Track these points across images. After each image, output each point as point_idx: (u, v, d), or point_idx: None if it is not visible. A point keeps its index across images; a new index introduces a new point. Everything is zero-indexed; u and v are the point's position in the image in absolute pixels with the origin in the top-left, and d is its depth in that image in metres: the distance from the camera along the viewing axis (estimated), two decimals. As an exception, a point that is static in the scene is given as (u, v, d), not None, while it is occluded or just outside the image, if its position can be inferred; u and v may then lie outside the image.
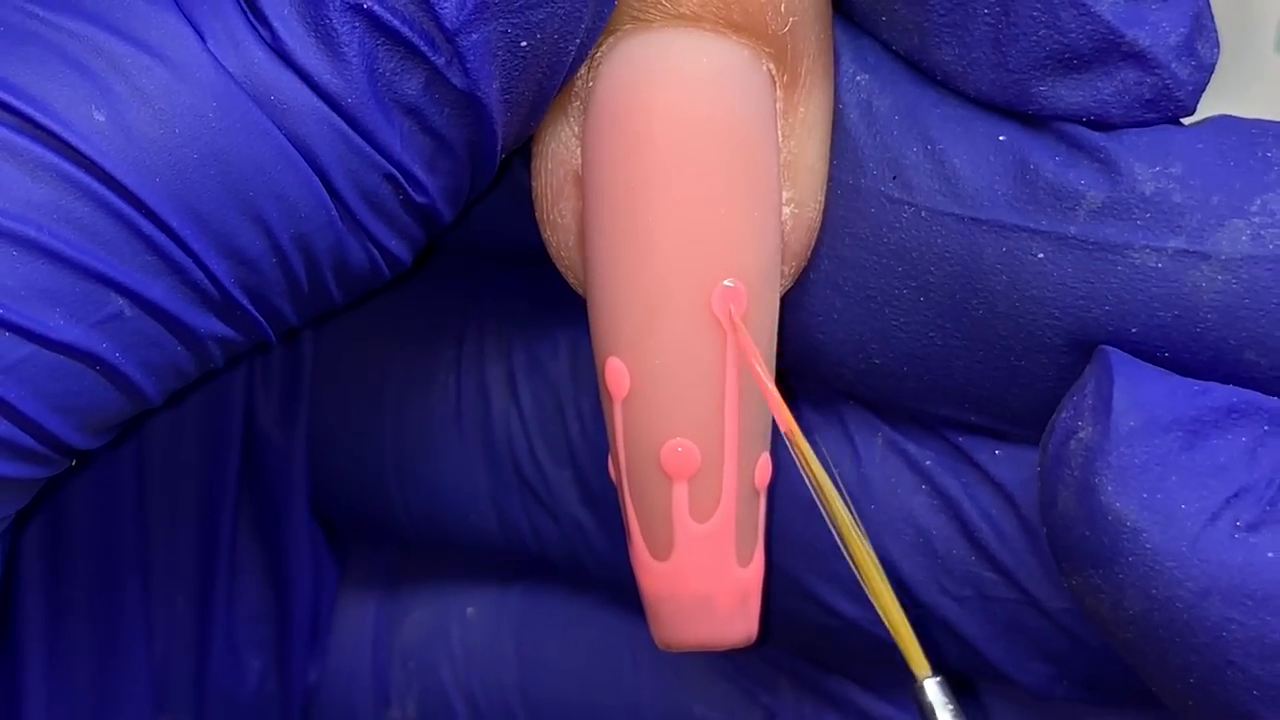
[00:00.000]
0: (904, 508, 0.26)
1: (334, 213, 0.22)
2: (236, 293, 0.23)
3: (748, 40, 0.23)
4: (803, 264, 0.25)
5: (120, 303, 0.22)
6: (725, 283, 0.23)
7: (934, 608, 0.26)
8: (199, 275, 0.22)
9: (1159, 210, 0.23)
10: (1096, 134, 0.23)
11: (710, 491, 0.24)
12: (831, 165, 0.24)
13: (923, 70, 0.24)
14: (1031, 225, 0.23)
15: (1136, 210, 0.23)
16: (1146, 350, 0.23)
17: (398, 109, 0.22)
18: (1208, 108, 0.23)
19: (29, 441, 0.22)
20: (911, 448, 0.26)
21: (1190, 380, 0.23)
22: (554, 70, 0.23)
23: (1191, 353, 0.23)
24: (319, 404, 0.30)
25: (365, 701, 0.31)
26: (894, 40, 0.24)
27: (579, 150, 0.24)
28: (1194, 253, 0.23)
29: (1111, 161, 0.23)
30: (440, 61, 0.22)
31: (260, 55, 0.22)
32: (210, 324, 0.23)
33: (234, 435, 0.30)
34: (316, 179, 0.22)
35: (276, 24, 0.22)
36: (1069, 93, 0.23)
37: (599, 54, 0.24)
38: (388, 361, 0.30)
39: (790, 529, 0.27)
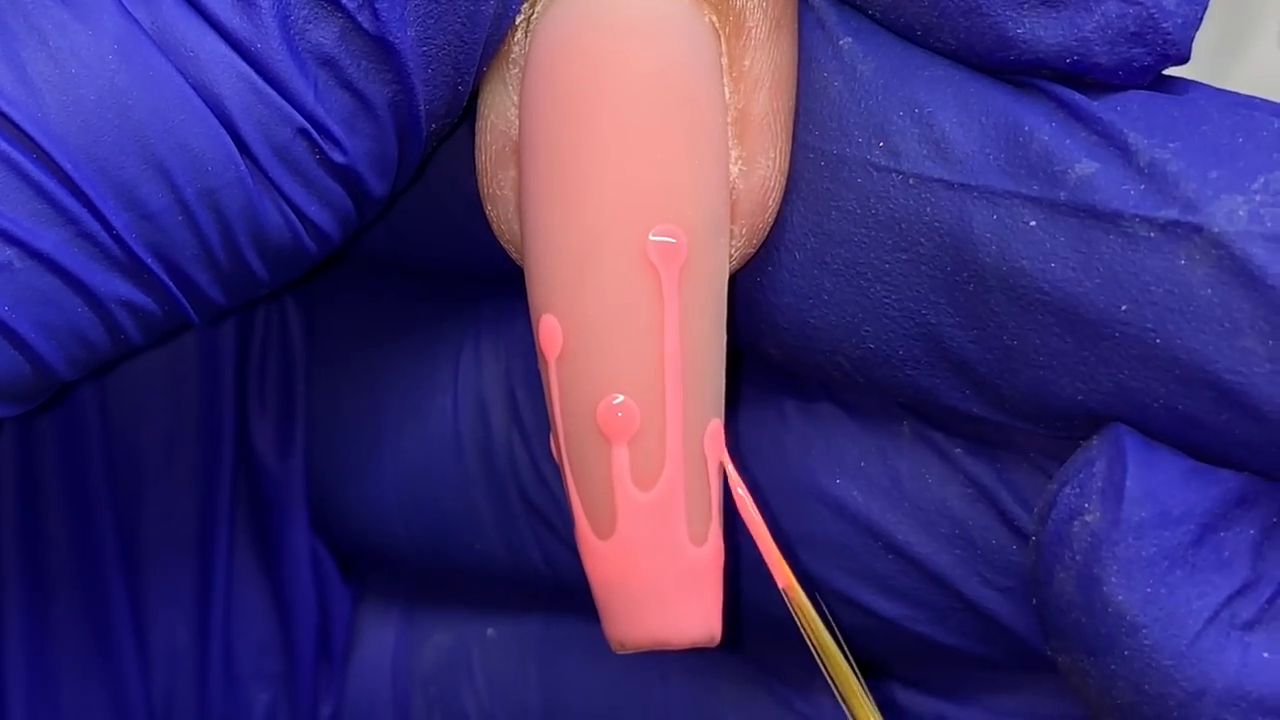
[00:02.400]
0: (937, 499, 0.25)
1: (244, 169, 0.22)
2: (140, 250, 0.21)
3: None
4: (758, 227, 0.24)
5: (9, 252, 0.21)
6: (665, 237, 0.22)
7: (977, 600, 0.25)
8: (95, 227, 0.21)
9: (1153, 180, 0.21)
10: (1094, 102, 0.22)
11: (653, 454, 0.23)
12: (815, 135, 0.23)
13: (898, 30, 0.23)
14: (1023, 191, 0.22)
15: (1130, 180, 0.21)
16: (1136, 333, 0.22)
17: (312, 60, 0.21)
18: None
19: None
20: (939, 437, 0.25)
21: (1202, 466, 0.22)
22: (472, 21, 0.22)
23: (1183, 338, 0.22)
24: (316, 430, 0.29)
25: None
26: (871, 3, 0.23)
27: (517, 119, 0.23)
28: (1187, 224, 0.21)
29: (1108, 131, 0.22)
30: (352, 7, 0.21)
31: (168, 3, 0.21)
32: (114, 285, 0.22)
33: (225, 462, 0.29)
34: (224, 132, 0.21)
35: None
36: (1047, 33, 0.22)
37: (534, 14, 0.23)
38: (383, 385, 0.29)
39: (814, 530, 0.26)
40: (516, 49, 0.23)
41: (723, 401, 0.24)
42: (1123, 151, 0.22)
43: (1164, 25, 0.22)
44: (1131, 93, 0.22)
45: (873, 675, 0.27)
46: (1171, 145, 0.22)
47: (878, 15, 0.23)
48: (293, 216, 0.22)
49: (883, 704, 0.27)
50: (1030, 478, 0.25)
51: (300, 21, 0.21)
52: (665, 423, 0.23)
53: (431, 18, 0.22)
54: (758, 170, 0.23)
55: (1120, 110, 0.22)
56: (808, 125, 0.23)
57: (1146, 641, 0.22)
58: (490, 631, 0.30)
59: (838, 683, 0.23)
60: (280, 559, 0.29)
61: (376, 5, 0.21)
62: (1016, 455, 0.25)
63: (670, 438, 0.23)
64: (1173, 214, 0.21)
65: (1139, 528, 0.22)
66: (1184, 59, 0.22)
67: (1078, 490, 0.22)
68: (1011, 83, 0.22)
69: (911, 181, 0.23)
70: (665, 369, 0.23)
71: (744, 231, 0.23)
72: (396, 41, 0.22)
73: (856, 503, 0.25)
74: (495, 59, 0.23)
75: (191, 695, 0.29)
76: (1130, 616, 0.22)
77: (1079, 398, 0.22)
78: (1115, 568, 0.22)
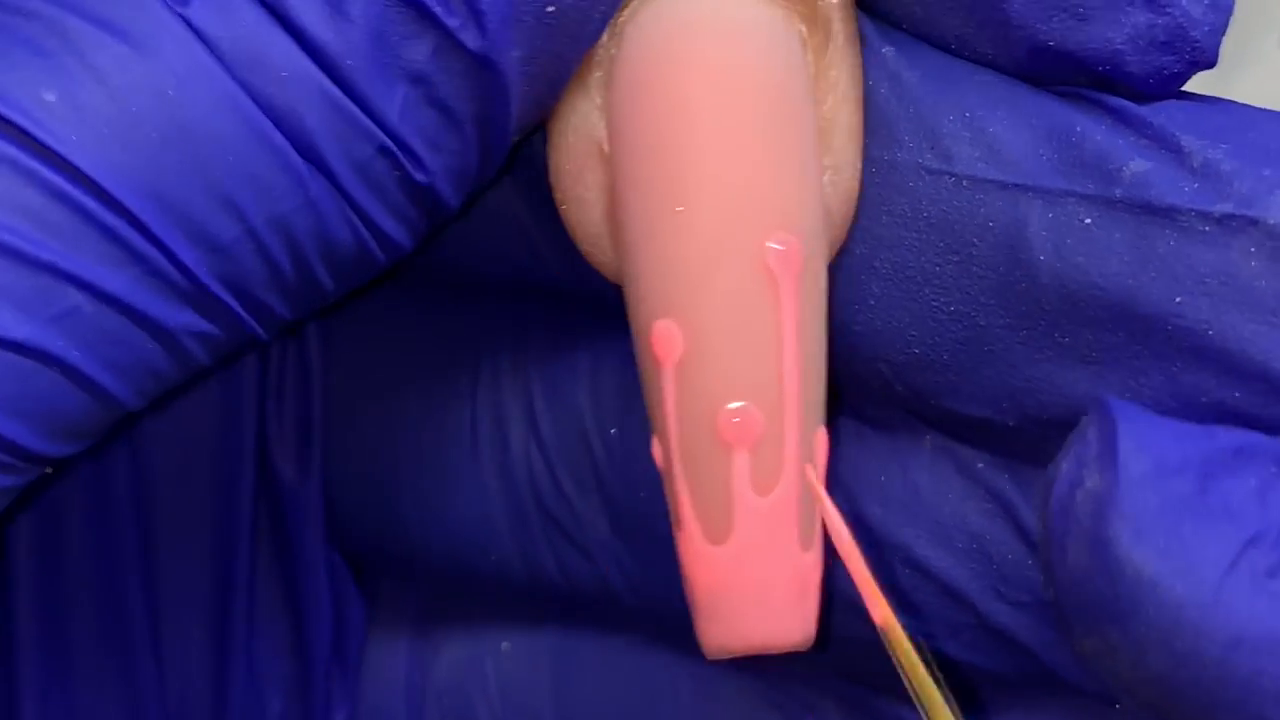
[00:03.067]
0: (956, 514, 0.25)
1: (315, 191, 0.21)
2: (211, 283, 0.21)
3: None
4: (842, 237, 0.24)
5: (78, 297, 0.20)
6: (776, 244, 0.22)
7: (990, 615, 0.25)
8: (165, 265, 0.21)
9: (1206, 178, 0.22)
10: (1142, 109, 0.22)
11: (773, 460, 0.23)
12: (864, 142, 0.23)
13: (933, 43, 0.23)
14: (1078, 190, 0.22)
15: (1184, 178, 0.22)
16: (1190, 325, 0.22)
17: (401, 76, 0.21)
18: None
19: None
20: (961, 451, 0.25)
21: (1192, 425, 0.22)
22: (577, 40, 0.22)
23: (1236, 329, 0.22)
24: (333, 440, 0.29)
25: None
26: (897, 13, 0.24)
27: (602, 122, 0.23)
28: (1242, 217, 0.22)
29: (1159, 134, 0.22)
30: (454, 24, 0.21)
31: (252, 15, 0.20)
32: (184, 318, 0.21)
33: (247, 470, 0.29)
34: (295, 156, 0.21)
35: None
36: (1079, 45, 0.22)
37: (622, 19, 0.23)
38: (401, 396, 0.29)
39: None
40: (600, 52, 0.23)
41: (825, 407, 0.24)
42: (1175, 152, 0.22)
43: (1192, 34, 0.22)
44: (1174, 102, 0.23)
45: (882, 691, 0.27)
46: (1223, 146, 0.22)
47: (910, 29, 0.24)
48: (365, 232, 0.22)
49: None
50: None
51: (395, 38, 0.21)
52: (784, 429, 0.23)
53: (540, 38, 0.22)
54: (844, 179, 0.23)
55: (1168, 116, 0.22)
56: None
57: (1169, 597, 0.21)
58: (505, 645, 0.30)
59: (929, 707, 0.23)
60: (296, 569, 0.29)
61: (485, 24, 0.21)
62: (1039, 470, 0.25)
63: (788, 443, 0.23)
64: (1228, 208, 0.22)
65: (1140, 481, 0.22)
66: (1211, 65, 0.23)
67: (1074, 462, 0.22)
68: (1056, 91, 0.23)
69: (965, 183, 0.23)
70: (784, 375, 0.23)
71: (833, 240, 0.24)
72: (500, 61, 0.21)
73: (875, 517, 0.26)
74: None
75: (208, 699, 0.29)
76: (1149, 573, 0.21)
77: (1127, 395, 0.23)
78: (1123, 526, 0.21)
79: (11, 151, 0.20)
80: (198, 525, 0.29)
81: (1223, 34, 0.23)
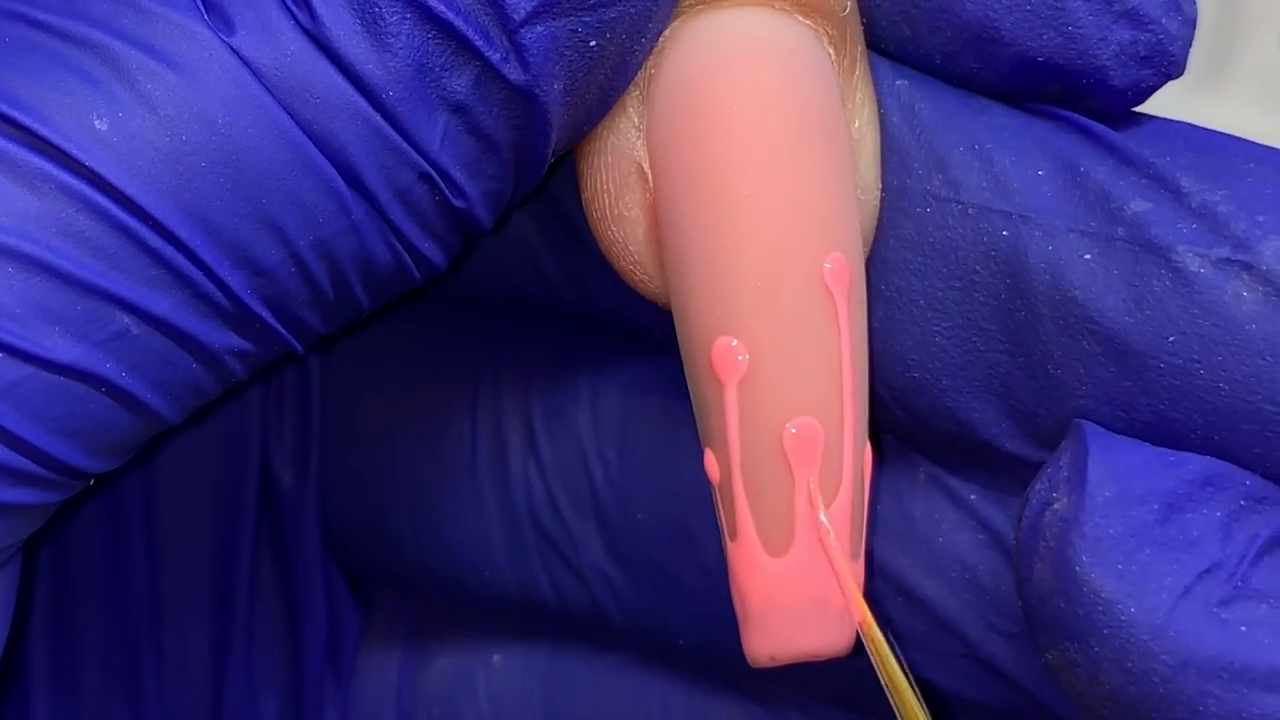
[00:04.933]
0: (949, 544, 0.25)
1: (357, 215, 0.21)
2: (254, 304, 0.22)
3: (812, 21, 0.23)
4: (866, 254, 0.24)
5: (126, 320, 0.21)
6: (829, 262, 0.23)
7: (980, 644, 0.25)
8: (211, 288, 0.21)
9: (1204, 220, 0.23)
10: (1143, 149, 0.23)
11: (833, 475, 0.23)
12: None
13: (918, 61, 0.24)
14: (1080, 227, 0.23)
15: (1183, 220, 0.23)
16: (1181, 363, 0.23)
17: (442, 106, 0.21)
18: (1209, 104, 0.23)
19: (31, 466, 0.21)
20: (954, 482, 0.25)
21: (1166, 451, 0.23)
22: (620, 71, 0.22)
23: (1227, 370, 0.23)
24: (331, 453, 0.30)
25: None
26: (886, 39, 0.24)
27: (640, 141, 0.23)
28: (1237, 261, 0.22)
29: (1160, 174, 0.23)
30: (495, 57, 0.21)
31: (295, 44, 0.21)
32: (226, 338, 0.22)
33: (250, 481, 0.29)
34: (339, 181, 0.21)
35: (319, 7, 0.21)
36: (1066, 60, 0.23)
37: (663, 40, 0.23)
38: (401, 413, 0.29)
39: None
40: (640, 70, 0.23)
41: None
42: (1175, 193, 0.23)
43: (1170, 49, 0.23)
44: (1177, 139, 0.23)
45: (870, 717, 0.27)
46: (1221, 191, 0.23)
47: (896, 50, 0.24)
48: (404, 253, 0.22)
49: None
50: None
51: (437, 68, 0.21)
52: (843, 443, 0.23)
53: (583, 70, 0.22)
54: (869, 200, 0.24)
55: (1170, 158, 0.23)
56: None
57: (1123, 617, 0.22)
58: (496, 658, 0.30)
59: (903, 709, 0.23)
60: (294, 579, 0.30)
61: (527, 58, 0.21)
62: None
63: (846, 457, 0.23)
64: (1224, 252, 0.22)
65: (1104, 508, 0.22)
66: (1180, 75, 0.23)
67: (1046, 484, 0.23)
68: (1060, 124, 0.23)
69: (971, 211, 0.23)
70: (844, 390, 0.23)
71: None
72: (542, 94, 0.22)
73: (869, 546, 0.25)
74: None
75: (205, 702, 0.29)
76: (1105, 594, 0.22)
77: (1118, 427, 0.23)
78: (1084, 547, 0.22)
79: (63, 178, 0.20)
80: (201, 534, 0.29)
81: (1190, 45, 0.23)
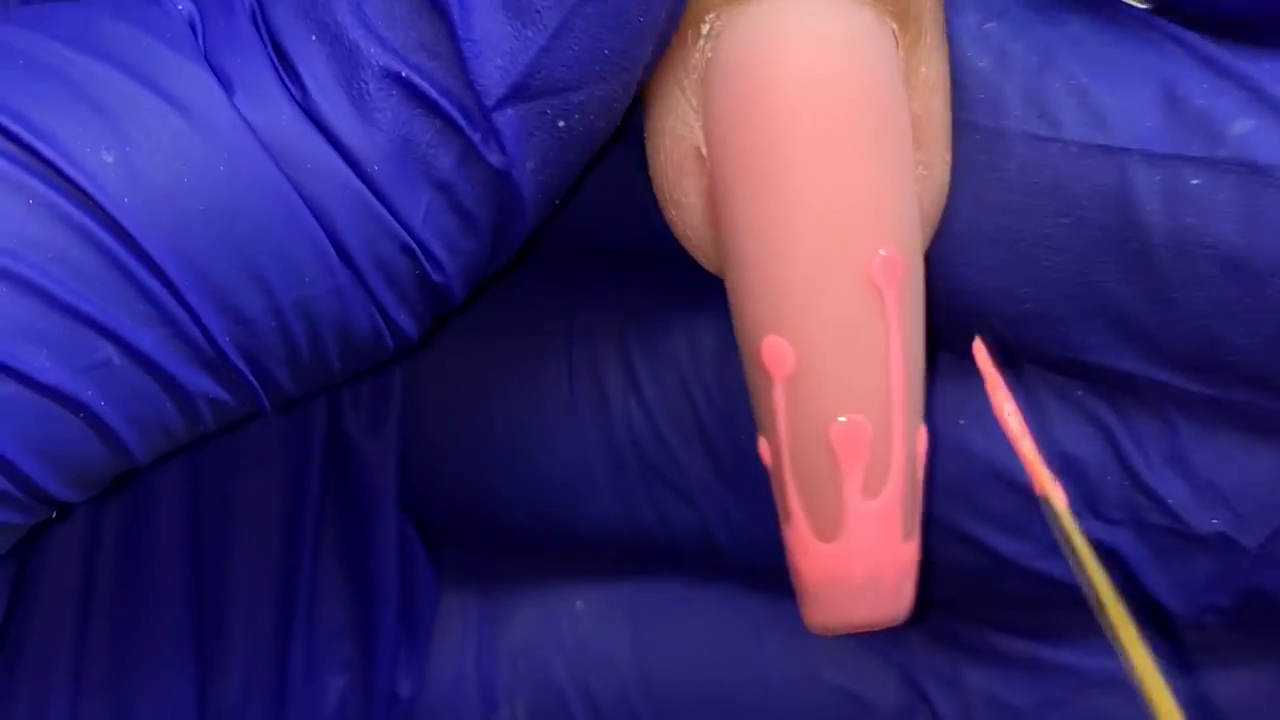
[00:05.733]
0: (1057, 437, 0.26)
1: (341, 280, 0.22)
2: (231, 353, 0.22)
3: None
4: (933, 232, 0.24)
5: (109, 350, 0.21)
6: (880, 257, 0.23)
7: (1086, 532, 0.26)
8: (194, 330, 0.22)
9: None
10: (1239, 61, 0.23)
11: (881, 466, 0.23)
12: (969, 112, 0.24)
13: None
14: (1183, 152, 0.23)
15: None
16: None
17: (427, 183, 0.22)
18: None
19: (4, 484, 0.21)
20: (1059, 380, 0.26)
21: None
22: (586, 149, 0.23)
23: None
24: (413, 405, 0.30)
25: (471, 706, 0.31)
26: None
27: (698, 125, 0.23)
28: None
29: (1259, 88, 0.23)
30: (476, 138, 0.22)
31: (288, 113, 0.21)
32: (202, 383, 0.22)
33: (316, 445, 0.29)
34: (328, 244, 0.22)
35: (309, 82, 0.21)
36: None
37: (717, 24, 0.23)
38: (492, 358, 0.29)
39: (938, 473, 0.26)
40: (696, 55, 0.23)
41: (923, 405, 0.24)
42: (1275, 108, 0.23)
43: None
44: (1265, 55, 0.23)
45: (970, 620, 0.28)
46: None
47: None
48: (381, 323, 0.23)
49: (978, 648, 0.28)
50: (1147, 418, 0.26)
51: (422, 146, 0.22)
52: (891, 434, 0.23)
53: (553, 151, 0.22)
54: (936, 174, 0.24)
55: (1269, 69, 0.23)
56: (959, 103, 0.24)
57: None
58: (579, 604, 0.30)
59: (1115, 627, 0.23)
60: (366, 543, 0.30)
61: (503, 140, 0.22)
62: (1136, 398, 0.26)
63: (895, 448, 0.23)
64: None
65: None
66: None
67: None
68: (1155, 46, 0.24)
69: (1073, 149, 0.24)
70: (891, 385, 0.23)
71: (925, 237, 0.24)
72: (517, 174, 0.22)
73: (977, 443, 0.26)
74: (669, 64, 0.23)
75: (270, 679, 0.29)
76: None
77: (1240, 342, 0.24)
78: None
79: (65, 206, 0.21)
80: (264, 497, 0.29)
81: None
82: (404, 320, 0.23)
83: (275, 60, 0.22)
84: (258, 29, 0.22)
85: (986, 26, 0.24)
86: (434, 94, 0.21)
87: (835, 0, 0.23)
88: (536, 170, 0.22)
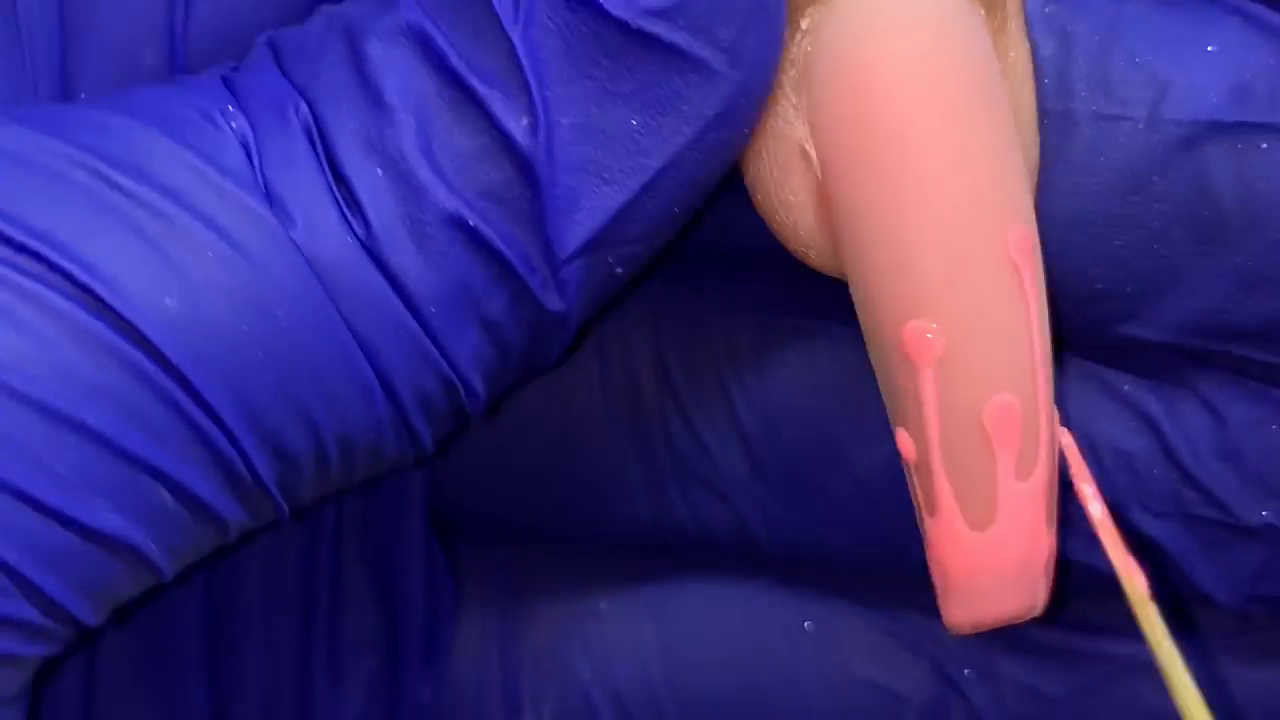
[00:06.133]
0: (1106, 433, 0.26)
1: (381, 413, 0.22)
2: (272, 486, 0.22)
3: None
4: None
5: (164, 494, 0.22)
6: (1014, 226, 0.23)
7: (1135, 524, 0.26)
8: (241, 469, 0.22)
9: None
10: None
11: (1031, 446, 0.23)
12: (1036, 98, 0.24)
13: None
14: (1251, 119, 0.24)
15: None
16: None
17: (476, 321, 0.22)
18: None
19: (49, 624, 0.22)
20: (1107, 374, 0.26)
21: None
22: (622, 287, 0.23)
23: None
24: None
25: (494, 709, 0.30)
26: None
27: (799, 121, 0.23)
28: None
29: None
30: (535, 283, 0.22)
31: (349, 249, 0.22)
32: (237, 512, 0.23)
33: None
34: (375, 381, 0.22)
35: (373, 218, 0.22)
36: None
37: (816, 18, 0.23)
38: None
39: None
40: (794, 50, 0.23)
41: None
42: None
43: None
44: None
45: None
46: None
47: None
48: (409, 445, 0.23)
49: (1011, 638, 0.28)
50: (1195, 409, 0.26)
51: (477, 289, 0.22)
52: (1039, 414, 0.23)
53: (601, 291, 0.23)
54: (1031, 158, 0.24)
55: None
56: None
57: None
58: (603, 605, 0.30)
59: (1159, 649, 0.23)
60: (392, 556, 0.29)
61: (566, 290, 0.22)
62: (1185, 390, 0.26)
63: (1042, 428, 0.23)
64: None
65: None
66: None
67: None
68: (1216, 20, 0.24)
69: (1141, 125, 0.24)
70: (1035, 362, 0.23)
71: None
72: (571, 317, 0.23)
73: None
74: None
75: (291, 691, 0.29)
76: None
77: None
78: None
79: (129, 352, 0.21)
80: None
81: None
82: (426, 439, 0.23)
83: (335, 188, 0.22)
84: (314, 148, 0.22)
85: (1048, 9, 0.24)
86: (499, 243, 0.22)
87: None
88: (584, 308, 0.23)
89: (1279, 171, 0.24)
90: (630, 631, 0.30)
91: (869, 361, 0.26)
